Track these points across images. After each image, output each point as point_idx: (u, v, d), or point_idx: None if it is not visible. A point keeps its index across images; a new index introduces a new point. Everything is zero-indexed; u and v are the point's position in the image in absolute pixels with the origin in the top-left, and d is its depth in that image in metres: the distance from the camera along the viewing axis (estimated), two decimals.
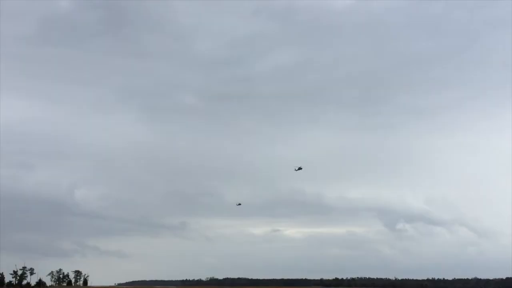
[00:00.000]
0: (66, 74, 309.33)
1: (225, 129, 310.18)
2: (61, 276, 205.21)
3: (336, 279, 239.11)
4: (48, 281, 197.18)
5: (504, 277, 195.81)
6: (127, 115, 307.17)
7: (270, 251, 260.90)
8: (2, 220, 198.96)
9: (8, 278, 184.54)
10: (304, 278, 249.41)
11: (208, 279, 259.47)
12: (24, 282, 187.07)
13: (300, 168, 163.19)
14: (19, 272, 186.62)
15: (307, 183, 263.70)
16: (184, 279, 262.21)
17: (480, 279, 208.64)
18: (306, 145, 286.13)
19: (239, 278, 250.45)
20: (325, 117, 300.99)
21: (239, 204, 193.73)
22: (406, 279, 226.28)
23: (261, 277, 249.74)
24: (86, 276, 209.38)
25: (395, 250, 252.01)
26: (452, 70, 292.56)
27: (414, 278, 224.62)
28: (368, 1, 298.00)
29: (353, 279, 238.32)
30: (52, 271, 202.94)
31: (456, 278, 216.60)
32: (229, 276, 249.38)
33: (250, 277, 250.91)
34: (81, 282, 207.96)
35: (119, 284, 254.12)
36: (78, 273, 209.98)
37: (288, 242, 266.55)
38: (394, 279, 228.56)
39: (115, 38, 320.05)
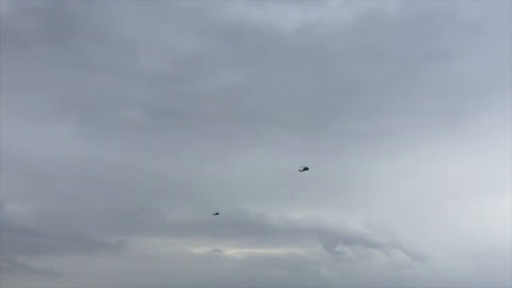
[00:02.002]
0: (3, 82, 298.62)
1: (168, 146, 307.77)
2: None
3: None
4: None
5: None
6: (66, 127, 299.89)
7: (211, 271, 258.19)
8: None
9: None
10: None
11: None
12: None
13: (306, 169, 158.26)
14: None
15: (250, 203, 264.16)
16: None
17: None
18: (249, 166, 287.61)
19: None
20: (269, 138, 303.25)
21: (217, 214, 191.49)
22: None
23: None
24: None
25: (334, 271, 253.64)
26: (392, 98, 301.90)
27: None
28: (315, 27, 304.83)
29: None
30: None
31: None
32: None
33: None
34: None
35: None
36: None
37: (229, 263, 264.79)
38: None
39: (57, 48, 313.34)
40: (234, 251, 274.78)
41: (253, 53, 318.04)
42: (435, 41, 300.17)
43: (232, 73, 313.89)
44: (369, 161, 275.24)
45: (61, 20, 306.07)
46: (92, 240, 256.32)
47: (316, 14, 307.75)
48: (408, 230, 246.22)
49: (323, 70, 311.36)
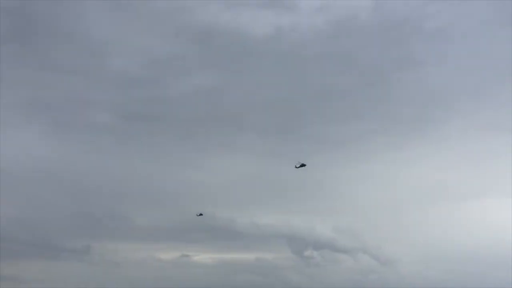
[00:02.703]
0: None
1: (138, 150, 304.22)
2: None
3: None
4: None
5: None
6: (33, 130, 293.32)
7: (179, 277, 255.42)
8: None
9: None
10: None
11: None
12: None
13: (303, 165, 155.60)
14: None
15: (219, 208, 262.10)
16: None
17: None
18: (219, 170, 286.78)
19: None
20: (240, 143, 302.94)
21: (201, 214, 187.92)
22: None
23: None
24: None
25: (302, 276, 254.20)
26: (362, 104, 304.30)
27: None
28: (287, 32, 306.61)
29: None
30: None
31: None
32: None
33: None
34: None
35: None
36: None
37: (198, 268, 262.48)
38: None
39: (24, 48, 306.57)
40: (203, 257, 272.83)
41: (225, 57, 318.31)
42: (404, 48, 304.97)
43: (204, 76, 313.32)
44: (339, 166, 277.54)
45: (29, 19, 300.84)
46: (57, 245, 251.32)
47: (289, 19, 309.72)
48: (376, 235, 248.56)
49: (295, 75, 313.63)
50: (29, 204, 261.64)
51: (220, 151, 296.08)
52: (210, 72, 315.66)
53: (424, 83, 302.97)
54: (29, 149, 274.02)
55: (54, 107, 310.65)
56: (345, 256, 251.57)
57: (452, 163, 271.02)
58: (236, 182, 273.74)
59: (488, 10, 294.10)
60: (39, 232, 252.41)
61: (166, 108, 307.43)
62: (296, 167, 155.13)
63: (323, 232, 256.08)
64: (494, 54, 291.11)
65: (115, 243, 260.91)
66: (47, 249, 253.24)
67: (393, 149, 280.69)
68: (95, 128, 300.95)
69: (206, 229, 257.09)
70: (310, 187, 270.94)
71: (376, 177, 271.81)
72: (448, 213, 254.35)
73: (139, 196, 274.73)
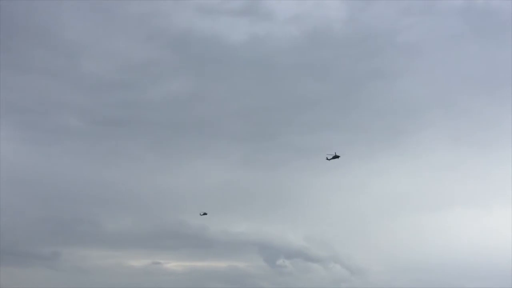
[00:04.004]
0: None
1: (110, 155, 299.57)
2: None
3: None
4: None
5: None
6: (1, 131, 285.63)
7: (150, 284, 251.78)
8: None
9: None
10: None
11: None
12: None
13: (336, 156, 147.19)
14: None
15: (191, 216, 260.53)
16: None
17: None
18: (192, 177, 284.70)
19: None
20: (213, 150, 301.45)
21: (205, 214, 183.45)
22: None
23: None
24: None
25: (274, 285, 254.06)
26: (335, 114, 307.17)
27: None
28: (262, 41, 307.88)
29: None
30: None
31: None
32: None
33: None
34: None
35: None
36: None
37: (169, 276, 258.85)
38: None
39: None
40: (174, 264, 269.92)
41: (200, 63, 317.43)
42: (377, 61, 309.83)
43: (178, 82, 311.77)
44: (311, 175, 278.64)
45: (1, 19, 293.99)
46: (24, 252, 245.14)
47: (264, 28, 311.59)
48: (347, 244, 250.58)
49: (269, 84, 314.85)
50: None
51: (193, 158, 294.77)
52: (185, 78, 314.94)
53: (395, 95, 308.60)
54: None
55: (24, 109, 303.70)
56: (317, 265, 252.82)
57: (422, 174, 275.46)
58: (209, 190, 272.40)
59: (458, 25, 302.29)
60: (5, 237, 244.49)
61: (140, 113, 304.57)
62: (327, 159, 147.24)
63: (295, 241, 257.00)
64: (463, 67, 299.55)
65: (84, 250, 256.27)
66: (13, 255, 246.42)
67: (364, 159, 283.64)
68: (66, 131, 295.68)
69: (178, 236, 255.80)
70: (282, 196, 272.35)
71: (347, 187, 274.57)
72: (417, 223, 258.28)
73: (110, 201, 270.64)
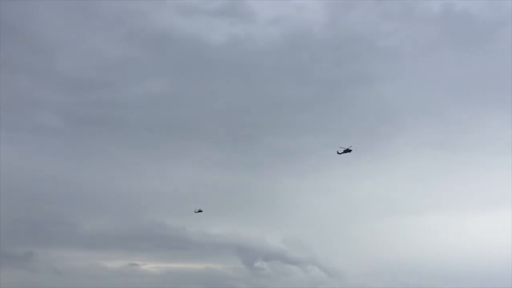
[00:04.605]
0: None
1: (86, 154, 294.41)
2: None
3: None
4: None
5: None
6: None
7: (126, 286, 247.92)
8: None
9: None
10: None
11: None
12: None
13: (347, 151, 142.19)
14: None
15: (169, 217, 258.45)
16: None
17: None
18: (170, 178, 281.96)
19: None
20: (192, 151, 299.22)
21: (200, 211, 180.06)
22: None
23: None
24: None
25: (252, 287, 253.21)
26: (314, 117, 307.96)
27: None
28: (242, 42, 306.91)
29: None
30: None
31: None
32: None
33: None
34: None
35: None
36: None
37: (146, 277, 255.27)
38: None
39: None
40: (151, 266, 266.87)
41: (179, 63, 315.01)
42: (356, 65, 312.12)
43: (157, 82, 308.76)
44: (290, 178, 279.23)
45: None
46: None
47: (244, 29, 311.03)
48: (325, 247, 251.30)
49: (249, 86, 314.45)
50: None
51: (172, 158, 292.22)
52: (164, 78, 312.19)
53: (374, 99, 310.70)
54: None
55: None
56: (295, 268, 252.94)
57: (400, 178, 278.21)
58: (187, 191, 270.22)
59: (437, 32, 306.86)
60: None
61: (117, 113, 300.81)
62: (338, 153, 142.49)
63: (274, 243, 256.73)
64: (442, 74, 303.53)
65: (59, 250, 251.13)
66: None
67: (343, 163, 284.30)
68: (41, 130, 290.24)
69: (155, 237, 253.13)
70: (261, 198, 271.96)
71: (326, 190, 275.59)
72: (394, 227, 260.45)
73: (86, 201, 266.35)
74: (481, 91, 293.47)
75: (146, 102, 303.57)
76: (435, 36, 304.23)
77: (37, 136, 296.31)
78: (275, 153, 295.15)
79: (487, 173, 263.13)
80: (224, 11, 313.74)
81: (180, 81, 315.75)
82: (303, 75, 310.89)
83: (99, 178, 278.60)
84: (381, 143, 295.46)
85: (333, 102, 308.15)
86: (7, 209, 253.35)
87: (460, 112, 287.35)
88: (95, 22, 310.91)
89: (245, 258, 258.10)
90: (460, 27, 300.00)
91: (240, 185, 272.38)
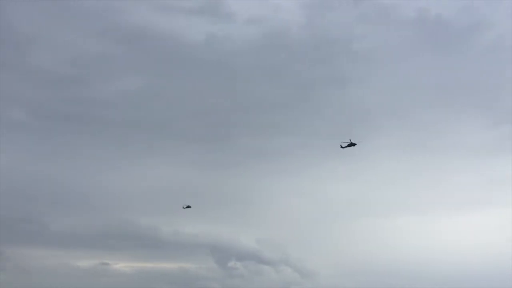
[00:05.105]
0: None
1: (57, 151, 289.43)
2: None
3: None
4: None
5: None
6: None
7: (97, 286, 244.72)
8: None
9: None
10: None
11: None
12: None
13: (352, 144, 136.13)
14: None
15: (142, 216, 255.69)
16: None
17: None
18: (144, 176, 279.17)
19: None
20: (166, 149, 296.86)
21: (188, 207, 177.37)
22: None
23: None
24: None
25: (224, 287, 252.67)
26: (289, 117, 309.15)
27: None
28: (220, 41, 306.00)
29: None
30: None
31: None
32: None
33: None
34: None
35: None
36: None
37: (117, 277, 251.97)
38: None
39: None
40: (122, 265, 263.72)
41: (156, 61, 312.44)
42: (331, 66, 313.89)
43: (132, 79, 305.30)
44: (265, 178, 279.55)
45: None
46: None
47: (222, 28, 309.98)
48: (299, 247, 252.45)
49: (224, 85, 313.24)
50: None
51: (145, 157, 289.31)
52: (139, 75, 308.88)
53: (348, 101, 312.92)
54: None
55: None
56: (268, 268, 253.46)
57: (373, 180, 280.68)
58: (161, 189, 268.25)
59: (412, 36, 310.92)
60: None
61: (91, 110, 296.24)
62: (341, 147, 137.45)
63: (247, 243, 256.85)
64: (416, 77, 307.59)
65: (28, 249, 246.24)
66: None
67: (317, 164, 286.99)
68: (11, 126, 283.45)
69: (128, 236, 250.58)
70: (235, 198, 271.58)
71: (300, 191, 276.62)
72: (368, 228, 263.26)
73: (56, 199, 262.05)
74: (454, 95, 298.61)
75: (121, 99, 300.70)
76: (410, 40, 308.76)
77: (8, 131, 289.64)
78: (250, 153, 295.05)
79: (459, 175, 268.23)
80: (202, 9, 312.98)
81: (157, 79, 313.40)
82: (279, 75, 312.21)
83: (71, 175, 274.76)
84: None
85: (309, 103, 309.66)
86: None
87: (432, 115, 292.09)
88: (70, 17, 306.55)
89: (219, 258, 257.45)
90: (434, 32, 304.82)
91: (215, 185, 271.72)
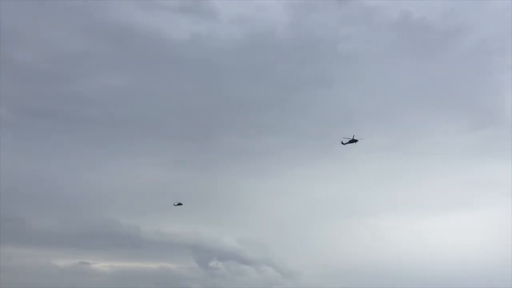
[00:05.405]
0: None
1: (37, 148, 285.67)
2: None
3: None
4: None
5: None
6: None
7: (76, 285, 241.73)
8: None
9: None
10: None
11: None
12: None
13: (353, 141, 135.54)
14: None
15: (123, 215, 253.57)
16: None
17: None
18: (126, 174, 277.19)
19: None
20: (147, 148, 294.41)
21: (179, 204, 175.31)
22: None
23: None
24: None
25: (205, 287, 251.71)
26: (273, 118, 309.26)
27: None
28: (204, 40, 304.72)
29: None
30: None
31: None
32: None
33: None
34: None
35: None
36: None
37: (97, 277, 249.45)
38: None
39: None
40: (102, 264, 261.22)
41: (139, 58, 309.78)
42: (316, 67, 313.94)
43: (114, 76, 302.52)
44: (248, 178, 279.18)
45: None
46: None
47: (207, 27, 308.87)
48: (281, 247, 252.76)
49: (209, 84, 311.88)
50: None
51: (127, 155, 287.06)
52: (123, 73, 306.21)
53: (333, 102, 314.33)
54: None
55: None
56: (249, 268, 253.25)
57: (355, 181, 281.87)
58: (142, 189, 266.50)
59: (395, 38, 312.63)
60: None
61: (72, 107, 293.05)
62: (343, 144, 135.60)
63: (229, 243, 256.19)
64: (398, 79, 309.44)
65: (7, 248, 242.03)
66: None
67: (299, 164, 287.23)
68: None
69: (108, 235, 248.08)
70: (217, 198, 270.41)
71: (282, 191, 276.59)
72: (349, 229, 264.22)
73: (36, 197, 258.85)
74: (436, 97, 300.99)
75: (104, 97, 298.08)
76: (393, 42, 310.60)
77: None
78: (234, 153, 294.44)
79: (440, 177, 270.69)
80: (187, 8, 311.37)
81: (141, 77, 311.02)
82: (264, 75, 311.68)
83: (51, 174, 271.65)
84: (335, 146, 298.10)
85: (293, 103, 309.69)
86: None
87: (414, 117, 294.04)
88: (54, 13, 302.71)
89: (200, 257, 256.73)
90: (417, 35, 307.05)
91: (197, 184, 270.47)
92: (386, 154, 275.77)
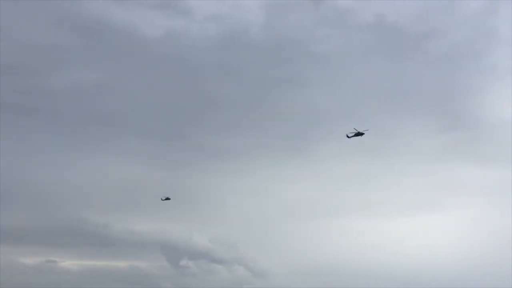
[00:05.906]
0: None
1: (5, 144, 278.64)
2: None
3: None
4: None
5: None
6: None
7: (43, 284, 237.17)
8: None
9: None
10: None
11: None
12: None
13: (359, 134, 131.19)
14: None
15: (93, 212, 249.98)
16: None
17: None
18: (95, 172, 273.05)
19: None
20: (119, 145, 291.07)
21: (167, 199, 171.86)
22: None
23: None
24: None
25: (176, 286, 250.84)
26: (245, 117, 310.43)
27: None
28: (178, 37, 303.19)
29: None
30: None
31: None
32: None
33: None
34: None
35: None
36: None
37: (65, 275, 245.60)
38: None
39: None
40: (70, 263, 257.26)
41: (111, 54, 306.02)
42: (288, 67, 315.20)
43: (86, 72, 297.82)
44: (220, 177, 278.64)
45: None
46: None
47: (181, 24, 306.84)
48: (252, 247, 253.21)
49: (182, 81, 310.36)
50: None
51: (97, 152, 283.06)
52: (94, 68, 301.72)
53: (303, 103, 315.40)
54: None
55: None
56: (220, 267, 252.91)
57: (325, 181, 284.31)
58: (112, 186, 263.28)
59: (368, 40, 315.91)
60: None
61: (42, 101, 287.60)
62: (348, 137, 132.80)
63: (200, 242, 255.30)
64: (371, 81, 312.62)
65: None
66: None
67: (270, 164, 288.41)
68: None
69: (76, 233, 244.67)
70: (188, 196, 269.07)
71: (254, 190, 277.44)
72: (321, 228, 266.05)
73: (2, 193, 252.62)
74: (407, 100, 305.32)
75: (73, 92, 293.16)
76: (366, 44, 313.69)
77: None
78: (206, 152, 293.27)
79: (411, 178, 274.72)
80: (161, 4, 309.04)
81: (112, 73, 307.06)
82: (238, 74, 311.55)
83: (19, 169, 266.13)
84: (307, 146, 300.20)
85: (266, 103, 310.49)
86: None
87: (386, 119, 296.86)
88: (25, 5, 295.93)
89: (170, 256, 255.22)
90: (390, 38, 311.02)
91: (168, 182, 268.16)
92: (354, 155, 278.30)
